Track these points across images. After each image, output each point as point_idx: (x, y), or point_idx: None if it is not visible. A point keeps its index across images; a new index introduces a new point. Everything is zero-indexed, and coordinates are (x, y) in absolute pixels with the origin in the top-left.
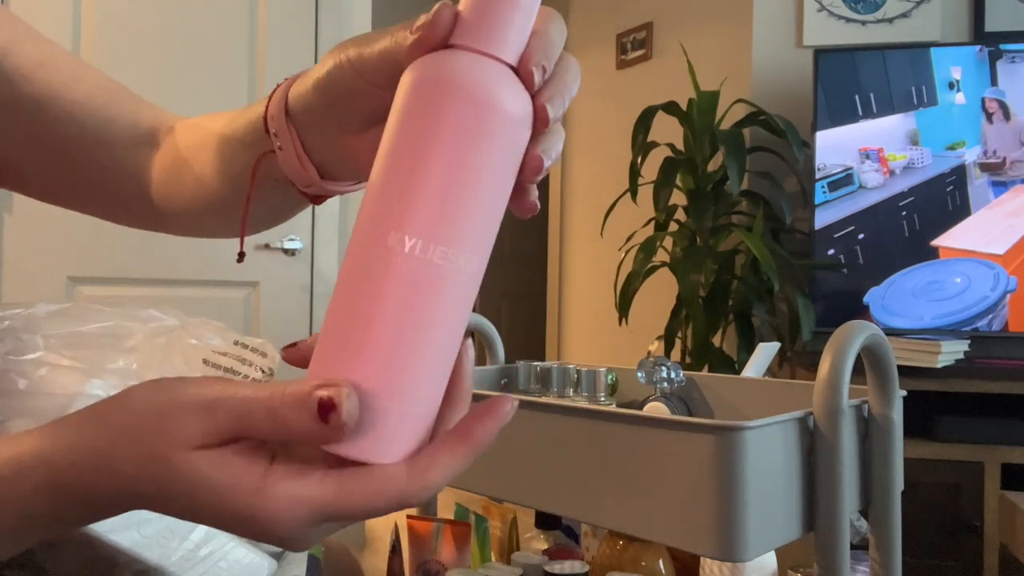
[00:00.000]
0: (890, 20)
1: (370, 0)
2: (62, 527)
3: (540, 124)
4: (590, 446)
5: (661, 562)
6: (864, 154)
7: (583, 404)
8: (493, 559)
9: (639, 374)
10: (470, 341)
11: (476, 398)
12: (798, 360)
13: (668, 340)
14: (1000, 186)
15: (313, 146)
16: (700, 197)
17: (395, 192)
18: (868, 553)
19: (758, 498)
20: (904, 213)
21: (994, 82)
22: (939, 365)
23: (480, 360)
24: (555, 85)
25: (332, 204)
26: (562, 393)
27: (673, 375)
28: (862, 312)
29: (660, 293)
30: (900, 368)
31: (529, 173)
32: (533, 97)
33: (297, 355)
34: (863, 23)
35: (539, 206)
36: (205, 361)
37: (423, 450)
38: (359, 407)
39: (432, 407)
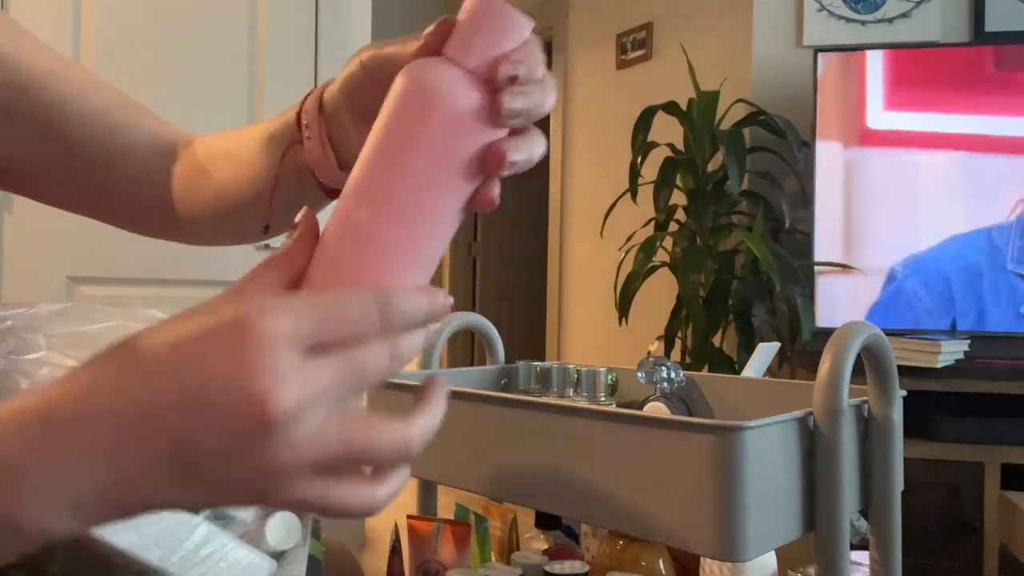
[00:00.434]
0: (890, 20)
1: (370, 2)
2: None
3: (495, 116)
4: (590, 446)
5: (661, 562)
6: None
7: (583, 404)
8: (493, 559)
9: (639, 374)
10: None
11: (476, 398)
12: (798, 360)
13: (668, 340)
14: None
15: (336, 139)
16: (700, 197)
17: (359, 164)
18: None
19: (758, 498)
20: None
21: None
22: (939, 365)
23: (480, 360)
24: (521, 88)
25: (331, 207)
26: (562, 393)
27: (673, 375)
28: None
29: (660, 293)
30: (900, 368)
31: (489, 165)
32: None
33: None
34: (863, 23)
35: (496, 202)
36: None
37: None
38: None
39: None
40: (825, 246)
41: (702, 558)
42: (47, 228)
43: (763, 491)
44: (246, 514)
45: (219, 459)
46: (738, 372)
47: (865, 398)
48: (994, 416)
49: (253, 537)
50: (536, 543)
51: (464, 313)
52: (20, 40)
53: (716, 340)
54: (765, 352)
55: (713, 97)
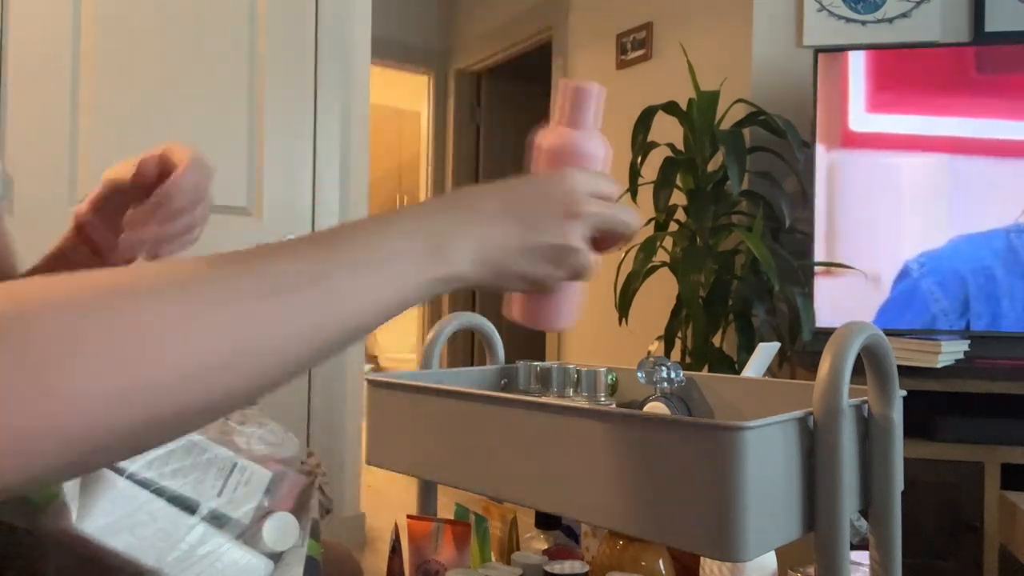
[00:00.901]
0: (890, 20)
1: (370, 1)
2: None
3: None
4: (590, 446)
5: (661, 562)
6: None
7: (583, 404)
8: (493, 559)
9: (639, 374)
10: None
11: (476, 398)
12: (798, 360)
13: (668, 340)
14: None
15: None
16: (700, 197)
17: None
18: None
19: (758, 498)
20: None
21: None
22: (939, 365)
23: (480, 360)
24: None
25: (331, 206)
26: (562, 393)
27: (673, 375)
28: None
29: (660, 293)
30: (900, 368)
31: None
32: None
33: None
34: (863, 23)
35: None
36: None
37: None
38: None
39: None
40: (825, 246)
41: (702, 558)
42: (47, 228)
43: (763, 491)
44: (243, 515)
45: (551, 224)
46: (738, 372)
47: (865, 398)
48: (994, 416)
49: (250, 538)
50: (536, 543)
51: (464, 313)
52: None
53: (716, 340)
54: (765, 352)
55: (713, 97)
